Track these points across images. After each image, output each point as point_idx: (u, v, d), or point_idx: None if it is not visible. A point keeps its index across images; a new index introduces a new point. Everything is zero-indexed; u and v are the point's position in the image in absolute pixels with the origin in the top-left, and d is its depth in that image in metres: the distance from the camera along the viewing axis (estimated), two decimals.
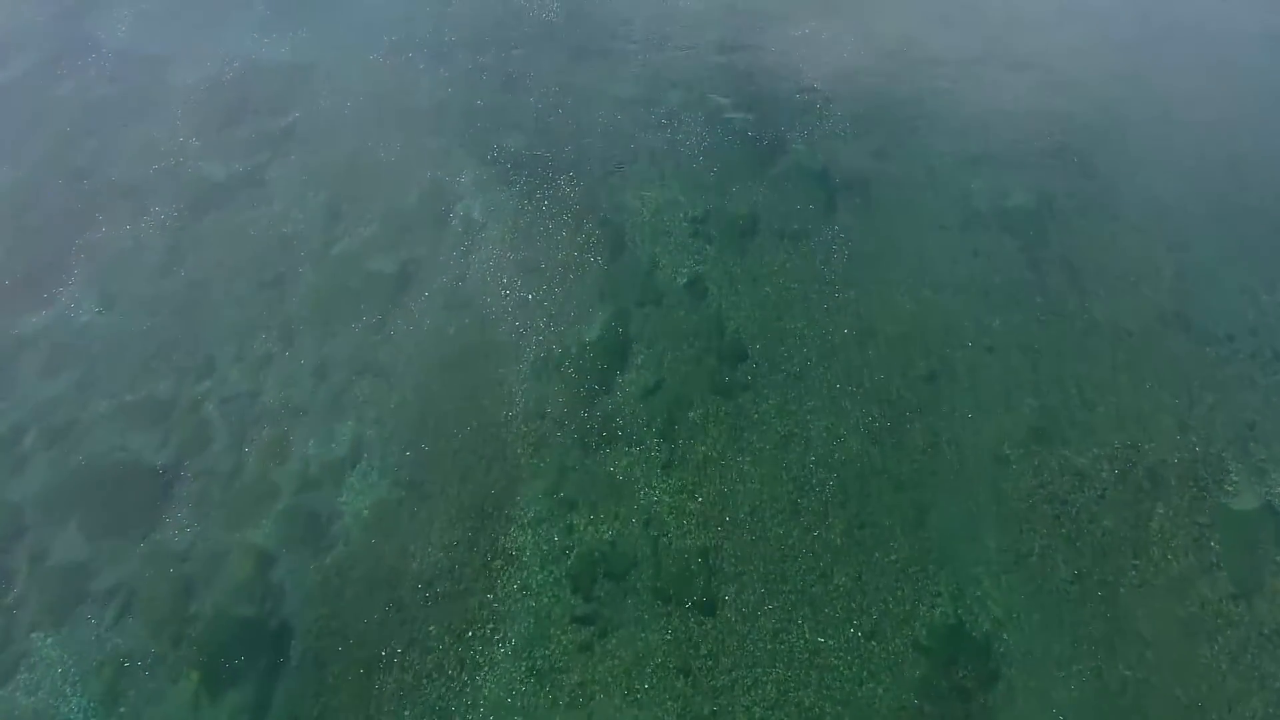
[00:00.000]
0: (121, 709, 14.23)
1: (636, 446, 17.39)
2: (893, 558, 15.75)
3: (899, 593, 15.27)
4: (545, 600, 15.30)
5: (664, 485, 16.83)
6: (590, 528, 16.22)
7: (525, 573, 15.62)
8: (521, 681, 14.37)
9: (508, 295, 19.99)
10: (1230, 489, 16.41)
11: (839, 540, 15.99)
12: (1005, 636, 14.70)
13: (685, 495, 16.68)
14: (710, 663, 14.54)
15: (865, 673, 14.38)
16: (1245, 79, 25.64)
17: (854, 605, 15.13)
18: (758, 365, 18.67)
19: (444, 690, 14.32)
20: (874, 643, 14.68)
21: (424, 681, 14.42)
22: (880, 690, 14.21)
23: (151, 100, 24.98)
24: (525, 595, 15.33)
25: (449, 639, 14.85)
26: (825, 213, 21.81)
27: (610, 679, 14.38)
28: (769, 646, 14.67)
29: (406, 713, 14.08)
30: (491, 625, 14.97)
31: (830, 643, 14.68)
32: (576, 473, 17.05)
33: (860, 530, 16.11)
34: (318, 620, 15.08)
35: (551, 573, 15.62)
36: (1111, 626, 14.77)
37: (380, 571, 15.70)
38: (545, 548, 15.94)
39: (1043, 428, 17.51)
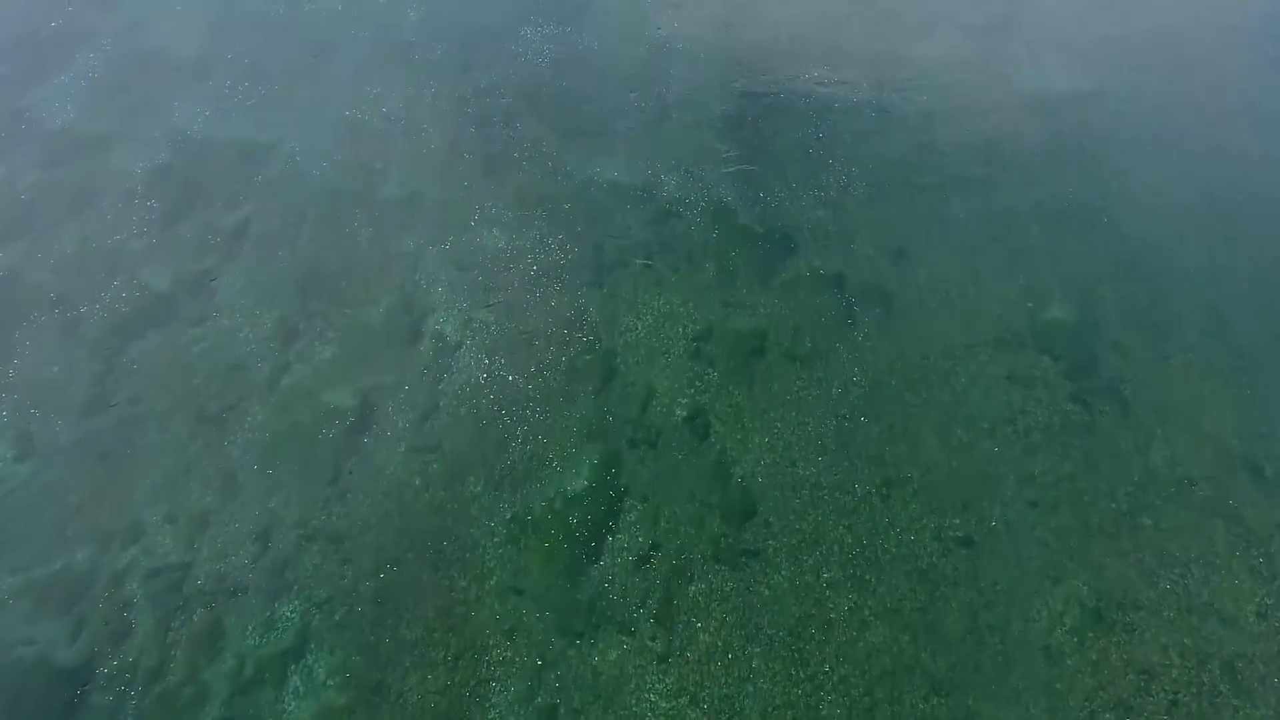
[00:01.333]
0: None
1: (628, 634, 14.97)
2: None
3: None
4: None
5: (660, 686, 14.39)
6: None
7: None
8: None
9: (483, 435, 17.56)
10: None
11: None
12: None
13: (686, 699, 14.25)
14: None
15: None
16: None
17: None
18: (768, 525, 16.26)
19: None
20: None
21: None
22: None
23: (90, 190, 22.52)
24: None
25: None
26: (841, 326, 19.40)
27: None
28: None
29: None
30: None
31: None
32: (557, 668, 14.62)
33: None
34: None
35: None
36: None
37: None
38: None
39: (1099, 608, 15.12)
